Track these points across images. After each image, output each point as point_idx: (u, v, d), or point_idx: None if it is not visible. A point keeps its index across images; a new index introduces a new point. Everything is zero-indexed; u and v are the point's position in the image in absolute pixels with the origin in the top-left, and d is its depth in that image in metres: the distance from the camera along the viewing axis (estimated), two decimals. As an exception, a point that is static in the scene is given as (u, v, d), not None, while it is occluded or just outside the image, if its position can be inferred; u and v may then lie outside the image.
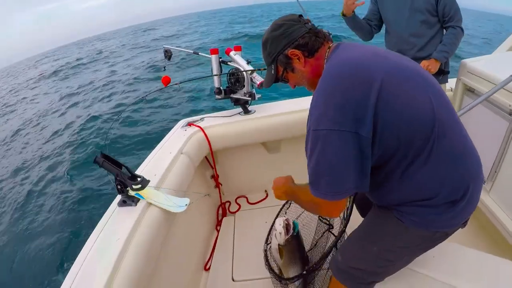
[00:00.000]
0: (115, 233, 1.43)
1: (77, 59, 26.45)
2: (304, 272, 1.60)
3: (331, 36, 1.24)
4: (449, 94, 2.51)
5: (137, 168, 1.96)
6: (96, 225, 1.54)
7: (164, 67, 2.84)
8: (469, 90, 2.19)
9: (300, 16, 1.21)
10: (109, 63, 20.55)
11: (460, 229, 1.20)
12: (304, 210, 2.07)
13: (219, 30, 27.93)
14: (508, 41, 2.65)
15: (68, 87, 15.21)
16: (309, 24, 1.20)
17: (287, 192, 1.41)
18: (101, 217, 1.58)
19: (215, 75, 2.46)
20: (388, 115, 0.96)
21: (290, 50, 1.17)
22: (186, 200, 1.66)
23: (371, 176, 1.07)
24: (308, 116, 1.05)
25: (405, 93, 0.98)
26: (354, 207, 1.67)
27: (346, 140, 0.95)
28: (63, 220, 4.94)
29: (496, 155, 1.97)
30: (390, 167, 1.06)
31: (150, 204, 1.62)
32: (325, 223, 2.01)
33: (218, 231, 2.65)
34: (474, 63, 2.09)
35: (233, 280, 2.14)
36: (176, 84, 2.52)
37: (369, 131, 0.96)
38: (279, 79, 1.29)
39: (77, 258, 1.35)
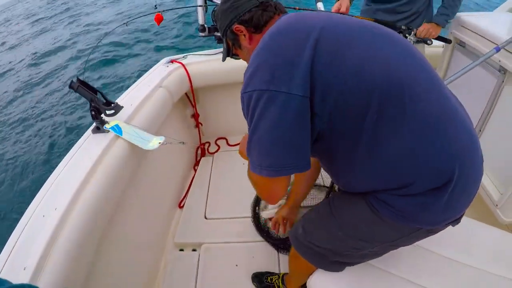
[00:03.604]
0: (84, 159, 1.45)
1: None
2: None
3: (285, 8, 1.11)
4: (439, 50, 2.46)
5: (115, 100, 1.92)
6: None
7: (156, 5, 2.71)
8: (460, 45, 2.12)
9: None
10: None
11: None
12: None
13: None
14: (508, 2, 2.58)
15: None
16: None
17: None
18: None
19: (199, 6, 2.34)
20: (328, 73, 0.81)
21: (235, 26, 1.07)
22: (160, 138, 1.63)
23: (329, 157, 0.99)
24: None
25: (350, 50, 0.83)
26: None
27: (275, 101, 0.81)
28: (41, 150, 4.95)
29: (481, 114, 1.89)
30: (349, 141, 0.88)
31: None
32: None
33: (195, 170, 2.67)
34: (469, 17, 2.02)
35: (205, 218, 2.19)
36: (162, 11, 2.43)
37: (305, 90, 0.81)
38: (230, 54, 1.21)
39: (44, 184, 1.38)
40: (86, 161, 1.43)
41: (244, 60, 1.16)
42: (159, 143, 1.60)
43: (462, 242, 1.39)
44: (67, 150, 1.51)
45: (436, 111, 0.85)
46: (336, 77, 0.81)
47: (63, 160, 1.47)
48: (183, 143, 1.81)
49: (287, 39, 0.86)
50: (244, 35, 1.08)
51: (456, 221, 0.99)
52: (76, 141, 1.58)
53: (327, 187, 2.18)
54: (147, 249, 1.91)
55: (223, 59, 1.26)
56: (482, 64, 1.82)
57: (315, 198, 2.13)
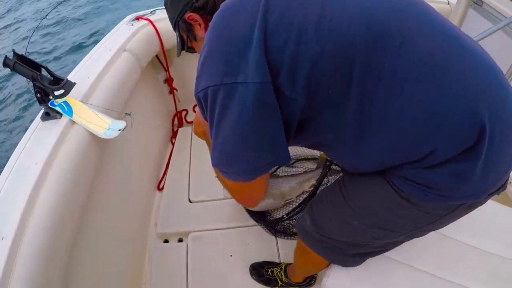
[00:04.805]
0: (34, 155, 1.17)
1: None
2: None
3: None
4: (444, 7, 2.14)
5: (68, 74, 1.57)
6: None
7: None
8: (476, 3, 1.86)
9: None
10: None
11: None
12: None
13: None
14: None
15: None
16: None
17: (206, 134, 1.10)
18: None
19: None
20: (289, 44, 0.65)
21: (188, 15, 0.97)
22: (121, 124, 1.34)
23: (328, 144, 0.81)
24: None
25: (308, 7, 0.66)
26: None
27: (234, 96, 0.66)
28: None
29: None
30: (337, 116, 0.71)
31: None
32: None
33: (173, 144, 2.39)
34: None
35: (189, 201, 1.96)
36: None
37: (264, 74, 0.65)
38: (184, 47, 1.09)
39: None
40: (37, 156, 1.15)
41: None
42: (119, 130, 1.32)
43: (484, 227, 1.26)
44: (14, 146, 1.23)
45: (442, 56, 0.66)
46: (299, 44, 0.64)
47: (10, 160, 1.19)
48: (129, 114, 1.53)
49: (236, 15, 0.69)
50: (199, 24, 0.99)
51: (502, 188, 0.79)
52: (24, 134, 1.29)
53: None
54: (128, 244, 1.69)
55: (178, 54, 1.13)
56: (504, 28, 1.60)
57: (311, 170, 1.92)
